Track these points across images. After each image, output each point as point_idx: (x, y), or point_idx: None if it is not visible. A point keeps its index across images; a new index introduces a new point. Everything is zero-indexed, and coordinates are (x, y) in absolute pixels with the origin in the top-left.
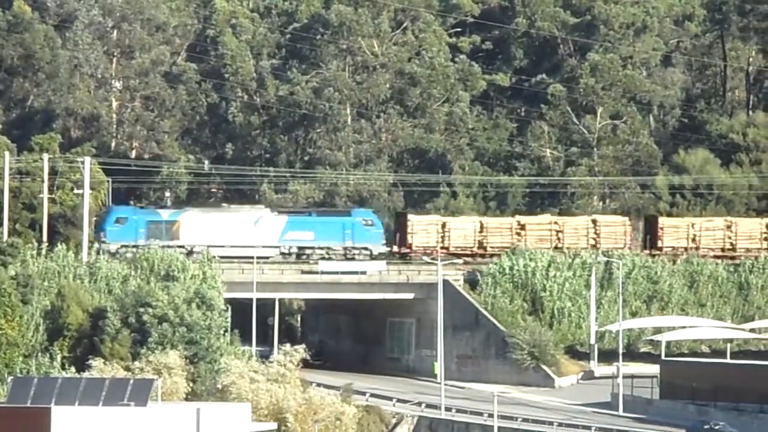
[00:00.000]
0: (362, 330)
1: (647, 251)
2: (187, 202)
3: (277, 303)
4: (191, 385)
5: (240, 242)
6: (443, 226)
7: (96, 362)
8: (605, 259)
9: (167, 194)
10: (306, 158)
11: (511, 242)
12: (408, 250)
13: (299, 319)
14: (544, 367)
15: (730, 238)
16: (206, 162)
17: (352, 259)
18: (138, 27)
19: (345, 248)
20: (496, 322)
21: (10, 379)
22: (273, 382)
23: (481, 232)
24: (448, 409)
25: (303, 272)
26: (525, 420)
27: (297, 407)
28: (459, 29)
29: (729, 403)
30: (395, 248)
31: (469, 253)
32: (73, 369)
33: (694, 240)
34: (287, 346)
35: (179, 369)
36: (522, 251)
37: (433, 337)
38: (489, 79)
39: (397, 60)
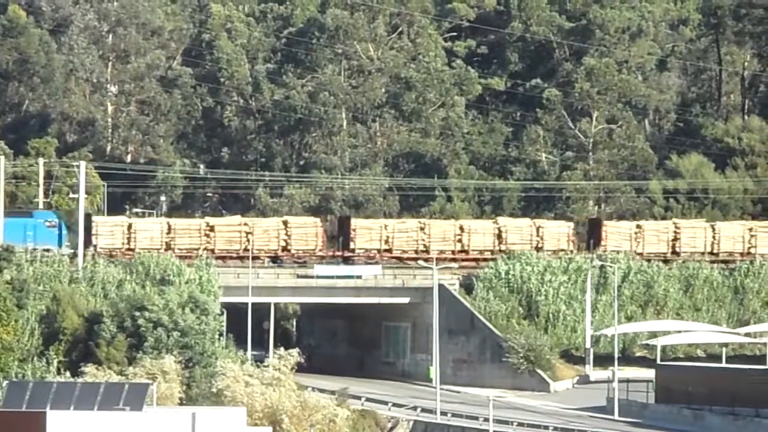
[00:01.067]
0: (358, 334)
1: (341, 253)
2: (183, 206)
3: (272, 307)
4: (186, 389)
5: None
6: (129, 227)
7: (89, 368)
8: (600, 263)
9: (162, 198)
10: (301, 162)
11: (199, 243)
12: (93, 251)
13: (295, 323)
14: (540, 372)
15: (423, 240)
16: (201, 166)
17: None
18: (133, 31)
19: (26, 249)
20: (491, 327)
21: (5, 383)
22: (268, 385)
23: (168, 233)
24: (443, 414)
25: (298, 276)
26: (520, 424)
27: (292, 409)
28: (454, 34)
29: (724, 408)
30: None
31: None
32: (68, 373)
33: (387, 242)
34: (281, 350)
35: (174, 373)
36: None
37: (429, 341)
38: (484, 83)
39: (392, 64)
